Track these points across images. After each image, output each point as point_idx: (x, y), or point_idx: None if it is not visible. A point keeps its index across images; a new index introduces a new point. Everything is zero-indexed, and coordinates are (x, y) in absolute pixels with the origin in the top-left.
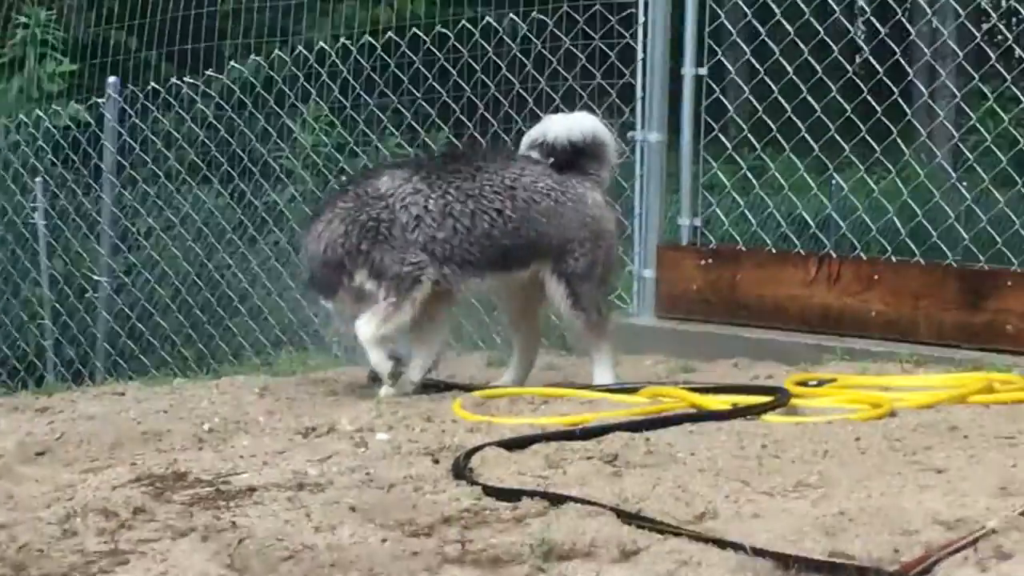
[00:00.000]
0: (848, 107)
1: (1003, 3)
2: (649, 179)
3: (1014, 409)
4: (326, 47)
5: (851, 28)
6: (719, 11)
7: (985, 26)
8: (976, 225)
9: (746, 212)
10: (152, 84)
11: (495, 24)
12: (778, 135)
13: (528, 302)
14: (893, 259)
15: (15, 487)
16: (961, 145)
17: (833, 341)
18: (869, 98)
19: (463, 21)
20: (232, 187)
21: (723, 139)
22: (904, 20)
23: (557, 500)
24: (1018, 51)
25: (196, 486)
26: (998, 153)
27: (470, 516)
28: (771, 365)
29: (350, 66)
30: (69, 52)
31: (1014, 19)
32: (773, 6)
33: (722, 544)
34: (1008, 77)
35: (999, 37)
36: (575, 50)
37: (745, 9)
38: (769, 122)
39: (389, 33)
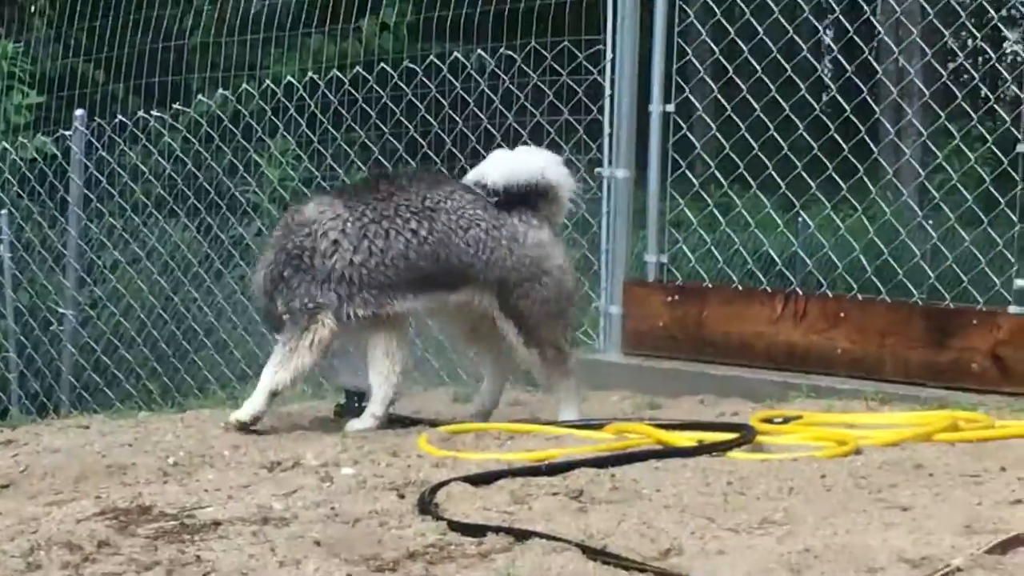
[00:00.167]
0: (815, 145)
1: (969, 43)
2: (616, 215)
3: (979, 447)
4: (294, 81)
5: (818, 66)
6: (687, 48)
7: (952, 65)
8: (942, 263)
9: (713, 249)
10: (119, 117)
11: (463, 59)
12: (745, 172)
13: (483, 333)
14: (859, 297)
15: None
16: (927, 183)
17: (799, 378)
18: (836, 136)
19: (431, 56)
20: (199, 220)
21: (690, 176)
22: (871, 59)
23: (522, 536)
24: (984, 90)
25: (161, 520)
26: (964, 192)
27: (435, 551)
28: (737, 402)
29: (317, 100)
30: (36, 84)
31: (980, 58)
32: (741, 44)
33: None
34: (974, 116)
35: (965, 76)
36: (543, 86)
37: (712, 46)
38: (736, 159)
39: (357, 68)
